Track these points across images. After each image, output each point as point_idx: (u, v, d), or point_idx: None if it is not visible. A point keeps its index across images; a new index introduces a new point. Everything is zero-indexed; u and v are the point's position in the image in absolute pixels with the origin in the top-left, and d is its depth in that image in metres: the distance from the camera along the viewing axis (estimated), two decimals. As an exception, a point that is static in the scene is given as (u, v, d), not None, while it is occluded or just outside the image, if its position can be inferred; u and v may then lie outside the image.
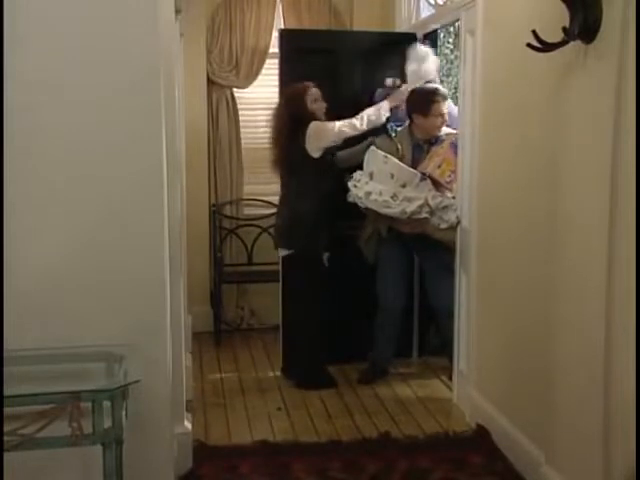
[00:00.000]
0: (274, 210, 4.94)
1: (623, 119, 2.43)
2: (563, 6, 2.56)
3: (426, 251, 4.45)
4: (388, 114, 4.40)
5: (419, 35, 4.76)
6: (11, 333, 2.47)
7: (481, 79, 3.76)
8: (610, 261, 2.51)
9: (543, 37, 2.63)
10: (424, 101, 4.31)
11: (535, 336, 3.19)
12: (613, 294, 2.52)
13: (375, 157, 4.28)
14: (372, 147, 4.33)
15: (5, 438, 2.16)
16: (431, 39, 4.85)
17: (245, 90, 5.54)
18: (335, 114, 4.34)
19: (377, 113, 4.36)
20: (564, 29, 2.56)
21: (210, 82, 5.44)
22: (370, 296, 4.50)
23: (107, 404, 2.26)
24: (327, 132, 4.33)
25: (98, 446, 2.28)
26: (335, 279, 4.45)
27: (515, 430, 3.40)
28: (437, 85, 4.47)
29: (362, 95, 4.68)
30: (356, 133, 4.35)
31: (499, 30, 3.54)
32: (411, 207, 4.13)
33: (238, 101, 5.52)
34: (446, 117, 4.32)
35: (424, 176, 4.20)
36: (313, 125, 4.33)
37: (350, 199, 4.37)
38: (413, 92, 4.40)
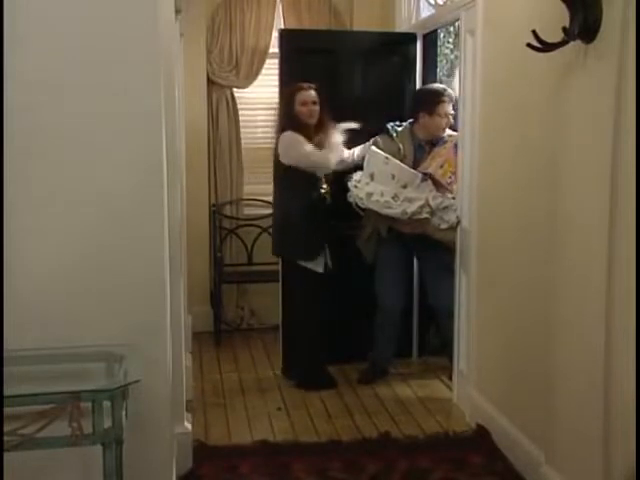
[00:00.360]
0: (274, 210, 4.96)
1: (623, 119, 2.43)
2: (563, 6, 2.56)
3: (426, 251, 4.45)
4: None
5: (419, 35, 4.77)
6: (11, 333, 2.47)
7: (481, 79, 3.76)
8: (610, 261, 2.51)
9: (543, 37, 2.63)
10: (431, 100, 4.30)
11: (535, 336, 3.19)
12: (613, 294, 2.52)
13: (376, 158, 4.27)
14: (372, 148, 4.33)
15: (5, 438, 2.16)
16: (431, 39, 4.85)
17: (245, 90, 5.54)
18: (335, 114, 4.32)
19: (364, 153, 4.32)
20: (564, 29, 2.56)
21: (210, 82, 5.44)
22: (370, 296, 4.50)
23: (107, 404, 2.26)
24: (296, 152, 4.19)
25: (98, 446, 2.28)
26: (335, 279, 4.44)
27: (515, 430, 3.40)
28: (445, 86, 4.46)
29: (362, 95, 4.69)
30: (332, 169, 4.28)
31: (499, 30, 3.54)
32: (412, 207, 4.12)
33: (238, 101, 5.52)
34: (451, 118, 4.31)
35: (425, 177, 4.20)
36: (287, 136, 4.20)
37: (350, 199, 4.37)
38: (420, 91, 4.39)
